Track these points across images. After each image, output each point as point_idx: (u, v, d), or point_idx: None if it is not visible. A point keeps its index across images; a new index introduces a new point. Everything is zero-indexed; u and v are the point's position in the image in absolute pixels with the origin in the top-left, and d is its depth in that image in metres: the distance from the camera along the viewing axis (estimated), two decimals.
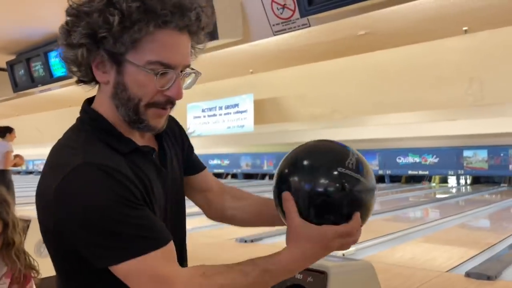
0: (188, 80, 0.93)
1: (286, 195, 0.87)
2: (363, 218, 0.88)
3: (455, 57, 5.03)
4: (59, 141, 0.91)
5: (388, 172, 13.69)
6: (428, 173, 13.20)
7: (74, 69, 0.89)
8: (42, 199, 0.85)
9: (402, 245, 4.84)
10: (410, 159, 13.26)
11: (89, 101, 0.95)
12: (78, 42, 0.83)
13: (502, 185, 12.30)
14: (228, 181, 16.42)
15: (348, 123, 9.09)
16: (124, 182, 0.81)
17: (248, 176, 16.82)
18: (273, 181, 0.92)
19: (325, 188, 0.84)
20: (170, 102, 0.90)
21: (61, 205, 0.80)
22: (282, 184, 0.89)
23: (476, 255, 4.21)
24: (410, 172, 13.36)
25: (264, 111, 7.93)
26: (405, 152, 13.22)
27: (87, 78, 0.90)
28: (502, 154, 11.95)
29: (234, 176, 17.28)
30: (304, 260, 0.86)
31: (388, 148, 13.15)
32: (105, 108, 0.90)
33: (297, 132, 10.39)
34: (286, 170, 0.90)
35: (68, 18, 0.85)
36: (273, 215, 0.98)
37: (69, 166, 0.81)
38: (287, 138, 11.28)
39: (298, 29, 3.67)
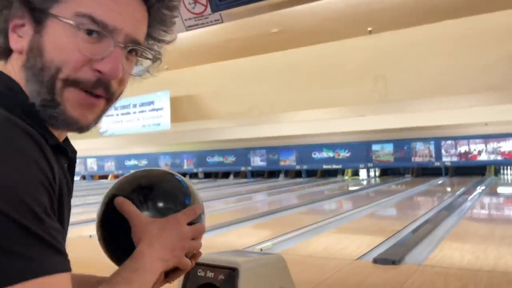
0: (140, 65, 0.73)
1: (120, 200, 0.79)
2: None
3: (361, 56, 5.33)
4: None
5: (305, 167, 14.19)
6: (341, 166, 13.89)
7: None
8: None
9: (316, 236, 5.01)
10: (325, 154, 13.86)
11: None
12: None
13: (406, 175, 13.30)
14: None
15: (265, 120, 9.26)
16: (51, 161, 0.58)
17: None
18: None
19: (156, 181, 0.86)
20: (101, 84, 0.65)
21: None
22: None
23: (383, 241, 4.48)
24: (324, 166, 13.97)
25: (181, 108, 7.79)
26: (320, 147, 13.80)
27: None
28: (405, 147, 12.94)
29: None
30: (166, 253, 0.77)
31: (304, 144, 13.63)
32: (19, 80, 0.65)
33: (216, 129, 10.37)
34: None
35: None
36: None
37: None
38: (206, 136, 11.22)
39: (211, 25, 3.64)
